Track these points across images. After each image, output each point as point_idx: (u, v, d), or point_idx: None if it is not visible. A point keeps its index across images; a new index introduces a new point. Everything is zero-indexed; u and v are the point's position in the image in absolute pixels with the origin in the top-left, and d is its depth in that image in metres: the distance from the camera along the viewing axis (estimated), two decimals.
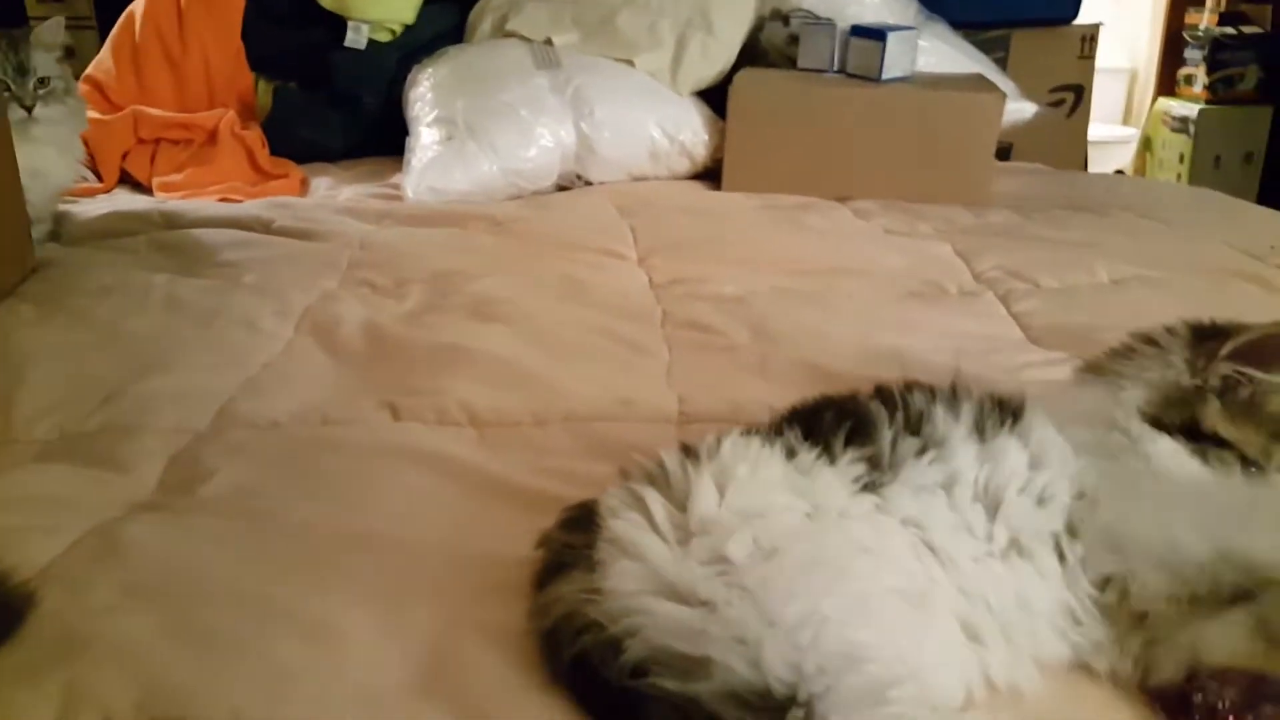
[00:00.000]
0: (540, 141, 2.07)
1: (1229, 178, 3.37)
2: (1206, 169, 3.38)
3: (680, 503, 0.76)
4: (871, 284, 1.57)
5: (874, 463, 0.78)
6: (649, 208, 1.98)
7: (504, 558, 0.88)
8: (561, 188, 2.15)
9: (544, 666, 0.75)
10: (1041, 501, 0.79)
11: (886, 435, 0.79)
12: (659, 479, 0.79)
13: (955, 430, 0.80)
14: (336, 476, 1.03)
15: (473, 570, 0.87)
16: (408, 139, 2.15)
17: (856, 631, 0.67)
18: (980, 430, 0.81)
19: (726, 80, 2.17)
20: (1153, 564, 0.75)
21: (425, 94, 2.20)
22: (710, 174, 2.21)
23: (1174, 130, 3.52)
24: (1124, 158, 3.76)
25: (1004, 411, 0.83)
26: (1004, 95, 2.09)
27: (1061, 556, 0.77)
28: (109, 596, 0.82)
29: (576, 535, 0.78)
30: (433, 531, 0.94)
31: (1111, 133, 3.72)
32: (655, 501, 0.76)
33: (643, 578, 0.70)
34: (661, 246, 1.76)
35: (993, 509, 0.78)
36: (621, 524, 0.75)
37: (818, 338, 1.35)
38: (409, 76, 2.31)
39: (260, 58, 2.52)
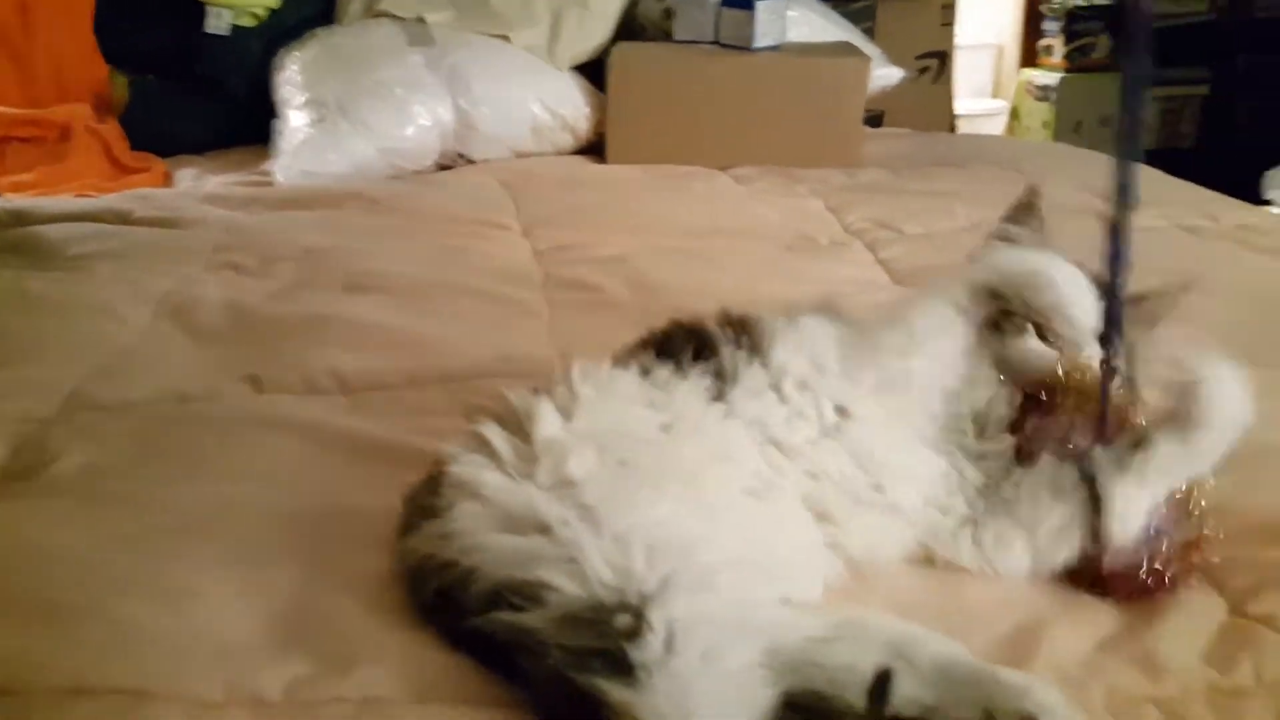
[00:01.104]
0: (417, 120, 2.02)
1: (1090, 141, 3.51)
2: (1068, 134, 3.54)
3: (525, 434, 0.76)
4: (747, 241, 1.60)
5: (719, 375, 0.82)
6: (533, 182, 1.96)
7: (372, 512, 0.86)
8: (444, 167, 2.11)
9: (409, 609, 0.74)
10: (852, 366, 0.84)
11: (726, 350, 0.83)
12: (504, 416, 0.79)
13: (776, 330, 0.85)
14: (194, 451, 0.99)
15: (339, 527, 0.85)
16: (274, 123, 2.08)
17: (691, 528, 0.68)
18: (794, 322, 0.86)
19: (605, 54, 2.17)
20: None
21: (294, 77, 2.13)
22: (594, 148, 2.20)
23: (1037, 99, 3.68)
24: (995, 129, 3.90)
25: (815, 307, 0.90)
26: (870, 60, 2.15)
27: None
28: None
29: (432, 485, 0.78)
30: (297, 496, 0.91)
31: (981, 106, 3.86)
32: (497, 437, 0.76)
33: (482, 514, 0.71)
34: (545, 217, 1.74)
35: (816, 388, 0.83)
36: (461, 467, 0.75)
37: (695, 291, 1.35)
38: (276, 61, 2.23)
39: (115, 50, 2.40)
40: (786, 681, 0.64)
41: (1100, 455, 0.79)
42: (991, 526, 0.81)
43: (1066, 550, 0.80)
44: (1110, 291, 0.79)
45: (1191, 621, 0.76)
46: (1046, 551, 0.80)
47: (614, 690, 0.59)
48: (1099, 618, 0.77)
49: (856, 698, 0.65)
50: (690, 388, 0.81)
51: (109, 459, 0.97)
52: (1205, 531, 0.80)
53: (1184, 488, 0.79)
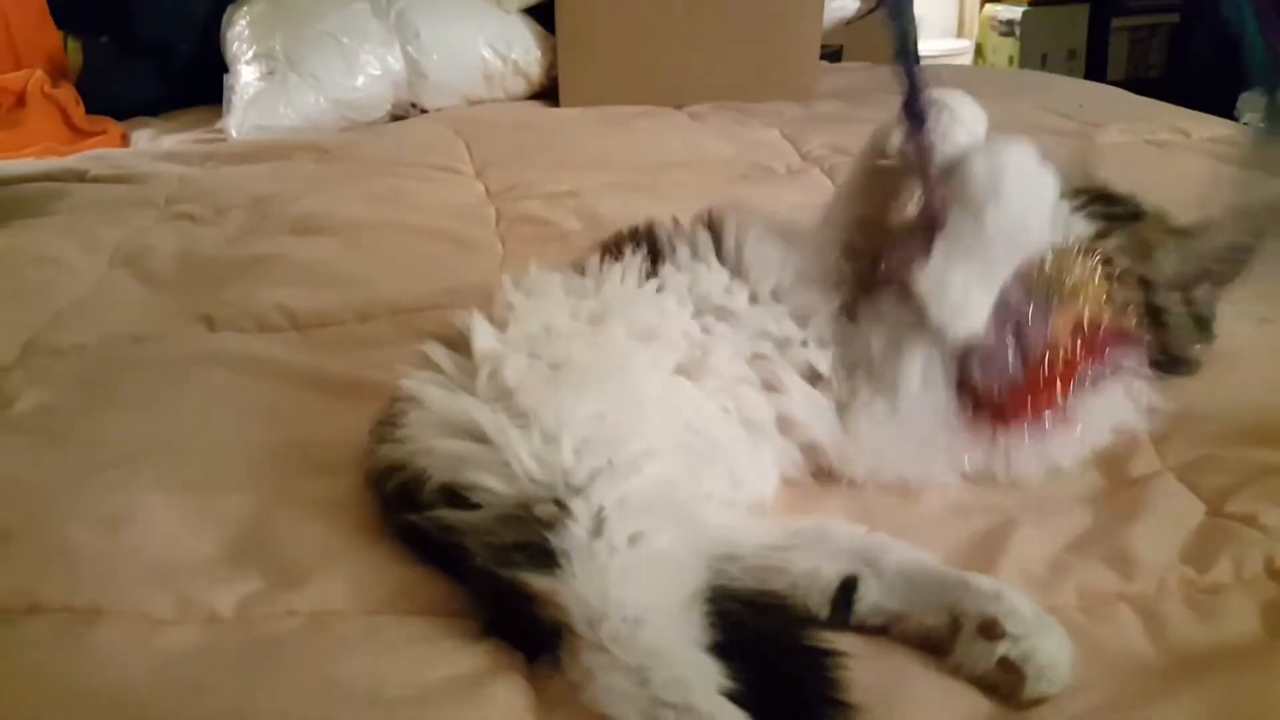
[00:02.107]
0: (367, 69, 2.01)
1: (1055, 74, 3.53)
2: (1034, 68, 3.53)
3: (466, 349, 0.78)
4: (701, 173, 1.60)
5: (653, 254, 0.84)
6: (485, 127, 1.95)
7: (326, 440, 0.87)
8: (397, 119, 2.10)
9: (363, 530, 0.75)
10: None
11: (662, 232, 0.87)
12: (448, 336, 0.81)
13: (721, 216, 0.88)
14: (146, 387, 1.00)
15: (291, 456, 0.86)
16: (226, 78, 2.06)
17: (623, 418, 0.69)
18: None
19: None
20: None
21: (243, 32, 2.11)
22: (548, 94, 2.19)
23: (1002, 34, 3.66)
24: None
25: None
26: None
27: None
28: None
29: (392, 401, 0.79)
30: (249, 428, 0.92)
31: (946, 46, 3.84)
32: (440, 355, 0.78)
33: (427, 422, 0.72)
34: (497, 159, 1.74)
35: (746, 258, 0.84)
36: (408, 382, 0.77)
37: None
38: (224, 17, 2.21)
39: (66, 15, 2.36)
40: (742, 583, 0.66)
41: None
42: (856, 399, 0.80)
43: (930, 387, 0.77)
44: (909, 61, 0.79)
45: (1167, 521, 0.75)
46: (913, 397, 0.78)
47: (535, 580, 0.61)
48: (1068, 520, 0.75)
49: (819, 606, 0.66)
50: (620, 271, 0.83)
51: (64, 399, 0.98)
52: (1089, 310, 0.76)
53: (1037, 273, 0.76)
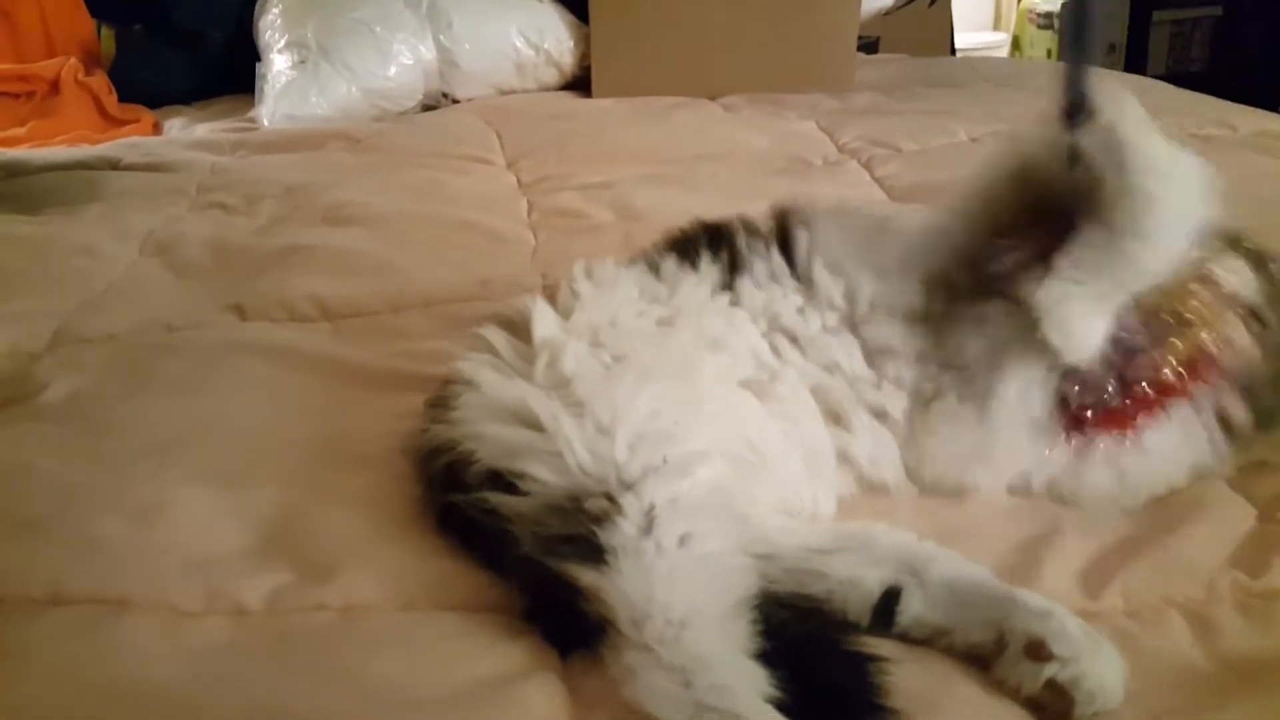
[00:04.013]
0: (399, 58, 2.01)
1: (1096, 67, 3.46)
2: None
3: (526, 334, 0.76)
4: (736, 165, 1.57)
5: (731, 265, 0.81)
6: (517, 117, 1.94)
7: (359, 434, 0.87)
8: (429, 108, 2.09)
9: (395, 523, 0.74)
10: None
11: (741, 241, 0.82)
12: (508, 320, 0.79)
13: (799, 221, 0.83)
14: (177, 377, 0.99)
15: (324, 448, 0.85)
16: (258, 67, 2.06)
17: (679, 418, 0.67)
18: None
19: None
20: None
21: (275, 20, 2.11)
22: (580, 84, 2.17)
23: (1040, 27, 3.60)
24: None
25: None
26: None
27: None
28: None
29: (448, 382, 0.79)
30: (280, 419, 0.91)
31: (983, 39, 3.78)
32: (498, 338, 0.77)
33: (481, 405, 0.71)
34: (529, 150, 1.72)
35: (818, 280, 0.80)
36: (465, 364, 0.75)
37: (681, 214, 1.32)
38: (257, 6, 2.21)
39: (100, 3, 2.38)
40: (781, 585, 0.64)
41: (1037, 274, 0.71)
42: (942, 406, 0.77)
43: (1024, 400, 0.73)
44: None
45: (1217, 526, 0.72)
46: (1005, 410, 0.74)
47: (583, 574, 0.59)
48: (1115, 527, 0.73)
49: (859, 615, 0.64)
50: (696, 279, 0.80)
51: (94, 386, 0.97)
52: (1205, 336, 0.72)
53: (1154, 293, 0.72)
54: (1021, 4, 3.71)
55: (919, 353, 0.77)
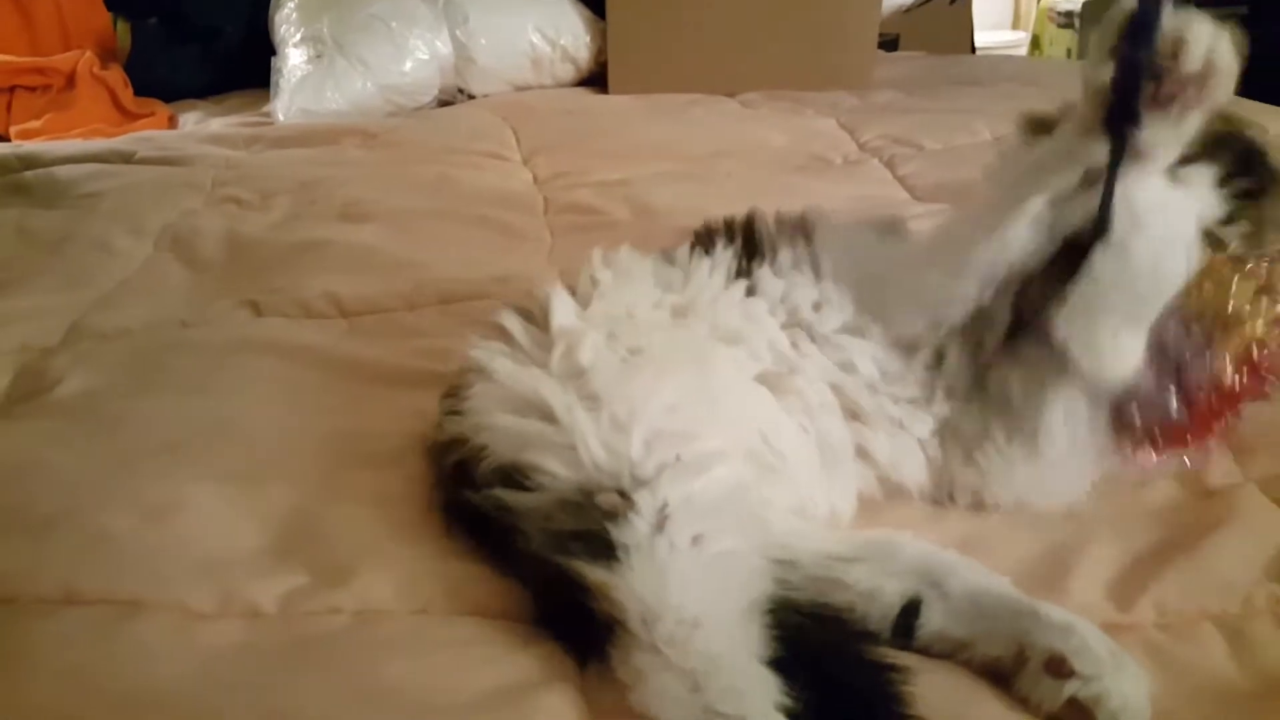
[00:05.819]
0: (415, 54, 2.00)
1: None
2: None
3: (544, 323, 0.75)
4: (754, 163, 1.56)
5: (749, 253, 0.79)
6: (533, 113, 1.93)
7: (373, 431, 0.85)
8: (444, 104, 2.08)
9: (410, 524, 0.73)
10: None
11: (762, 230, 0.80)
12: (526, 307, 0.78)
13: (820, 221, 0.82)
14: (191, 373, 0.98)
15: (339, 446, 0.84)
16: (274, 61, 2.05)
17: (695, 414, 0.66)
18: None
19: None
20: None
21: (291, 15, 2.10)
22: (597, 80, 2.16)
23: (1060, 25, 3.56)
24: None
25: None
26: None
27: None
28: None
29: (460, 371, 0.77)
30: (295, 417, 0.89)
31: (1001, 38, 3.75)
32: (515, 326, 0.75)
33: (493, 395, 0.70)
34: (545, 147, 1.71)
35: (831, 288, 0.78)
36: (478, 352, 0.74)
37: (699, 212, 1.30)
38: (273, 1, 2.21)
39: None
40: (801, 593, 0.62)
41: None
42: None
43: (1074, 428, 0.71)
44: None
45: (1251, 536, 0.70)
46: (1057, 444, 0.72)
47: (592, 571, 0.58)
48: (1145, 533, 0.71)
49: (879, 626, 0.63)
50: (711, 265, 0.78)
51: (108, 382, 0.97)
52: (1260, 337, 0.68)
53: (1194, 301, 0.68)
54: (1041, 3, 3.67)
55: (949, 389, 0.75)
